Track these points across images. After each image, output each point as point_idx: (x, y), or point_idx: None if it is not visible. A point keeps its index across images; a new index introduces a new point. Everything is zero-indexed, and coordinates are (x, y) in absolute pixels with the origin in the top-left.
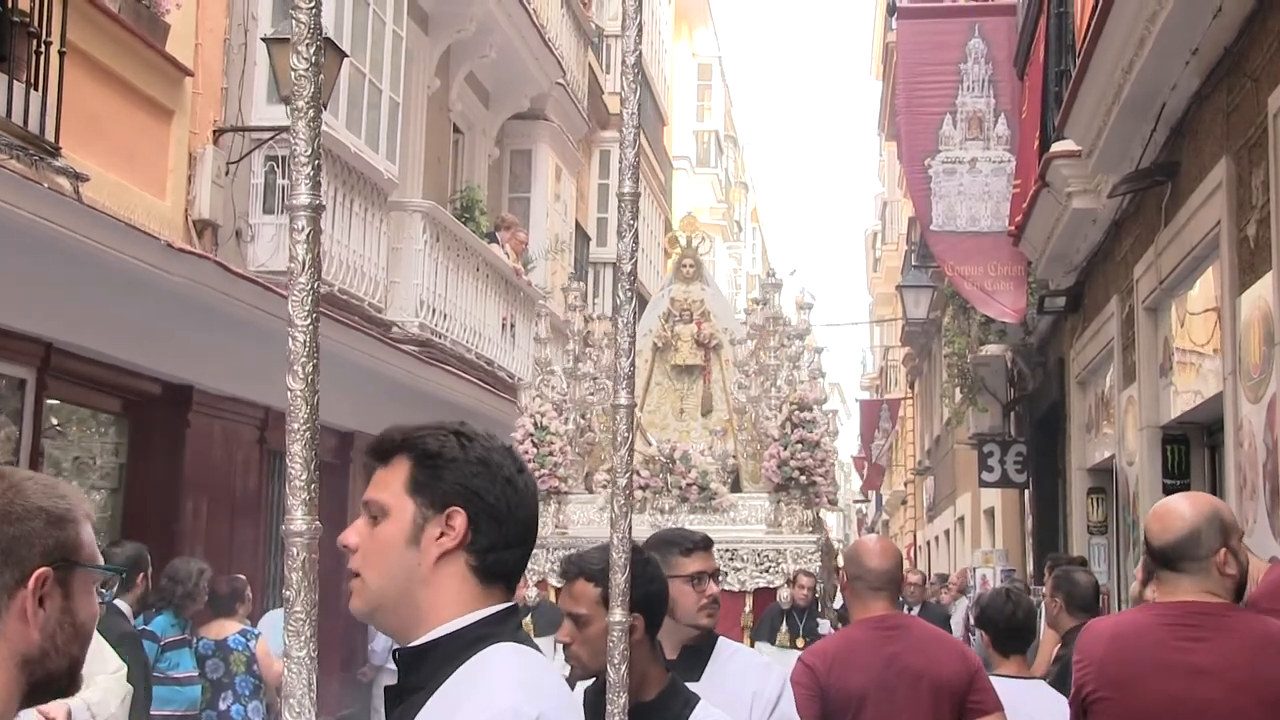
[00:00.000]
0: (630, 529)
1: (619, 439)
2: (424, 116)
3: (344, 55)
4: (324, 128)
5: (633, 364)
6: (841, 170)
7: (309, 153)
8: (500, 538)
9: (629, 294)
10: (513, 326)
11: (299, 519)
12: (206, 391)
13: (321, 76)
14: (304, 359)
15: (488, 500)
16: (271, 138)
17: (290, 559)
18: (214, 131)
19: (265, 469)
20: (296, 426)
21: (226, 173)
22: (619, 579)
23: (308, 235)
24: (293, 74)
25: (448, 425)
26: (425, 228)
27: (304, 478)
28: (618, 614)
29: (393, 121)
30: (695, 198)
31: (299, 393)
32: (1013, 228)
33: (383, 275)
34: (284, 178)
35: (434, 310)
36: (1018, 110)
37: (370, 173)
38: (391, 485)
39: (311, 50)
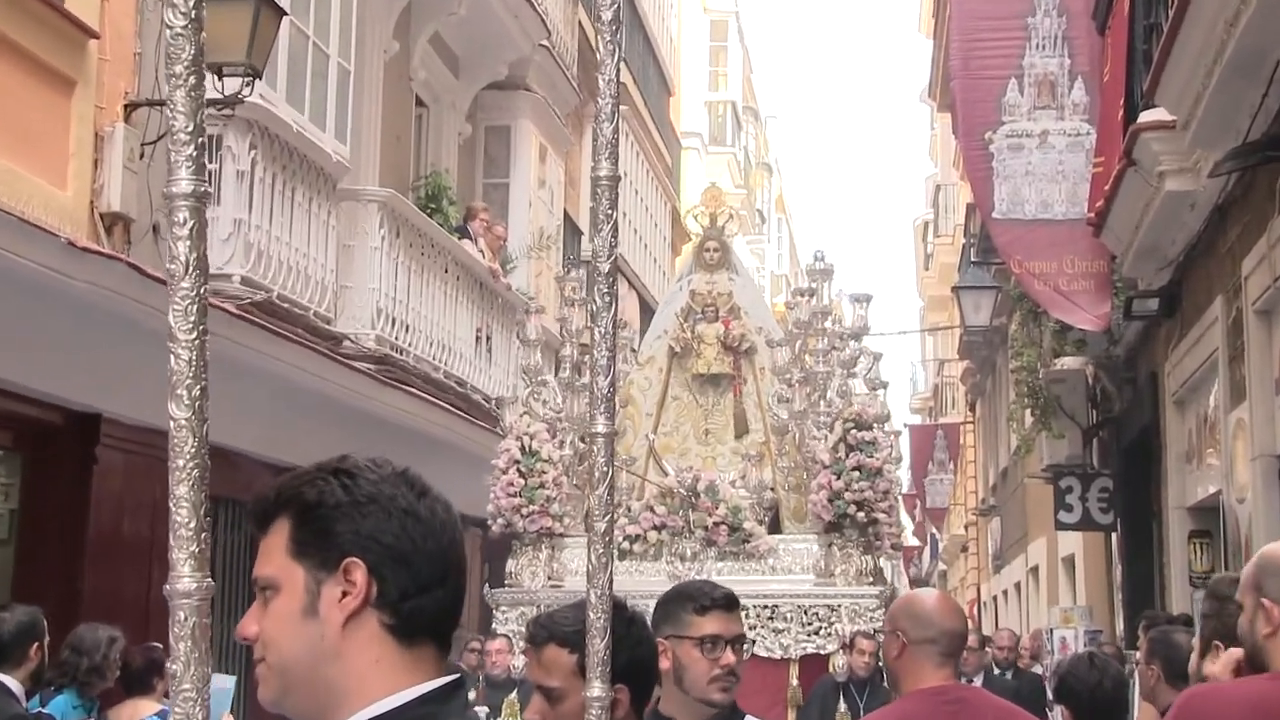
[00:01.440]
0: (611, 583)
1: (598, 474)
2: (380, 87)
3: (282, 14)
4: (259, 102)
5: (613, 384)
6: (885, 148)
7: (190, 129)
8: (412, 581)
9: (607, 298)
10: (489, 339)
11: (186, 576)
12: (118, 421)
13: (204, 35)
14: (189, 381)
15: (386, 541)
16: None
17: (176, 625)
18: (125, 106)
19: None
20: (182, 463)
21: (141, 155)
22: (598, 645)
23: (191, 230)
24: (168, 32)
25: (326, 465)
26: (383, 221)
27: (192, 526)
28: (596, 687)
29: (342, 94)
30: (708, 182)
31: (184, 422)
32: (1093, 215)
33: (331, 279)
34: (212, 161)
35: (394, 321)
36: (1098, 72)
37: (316, 155)
38: (275, 554)
39: (190, 4)
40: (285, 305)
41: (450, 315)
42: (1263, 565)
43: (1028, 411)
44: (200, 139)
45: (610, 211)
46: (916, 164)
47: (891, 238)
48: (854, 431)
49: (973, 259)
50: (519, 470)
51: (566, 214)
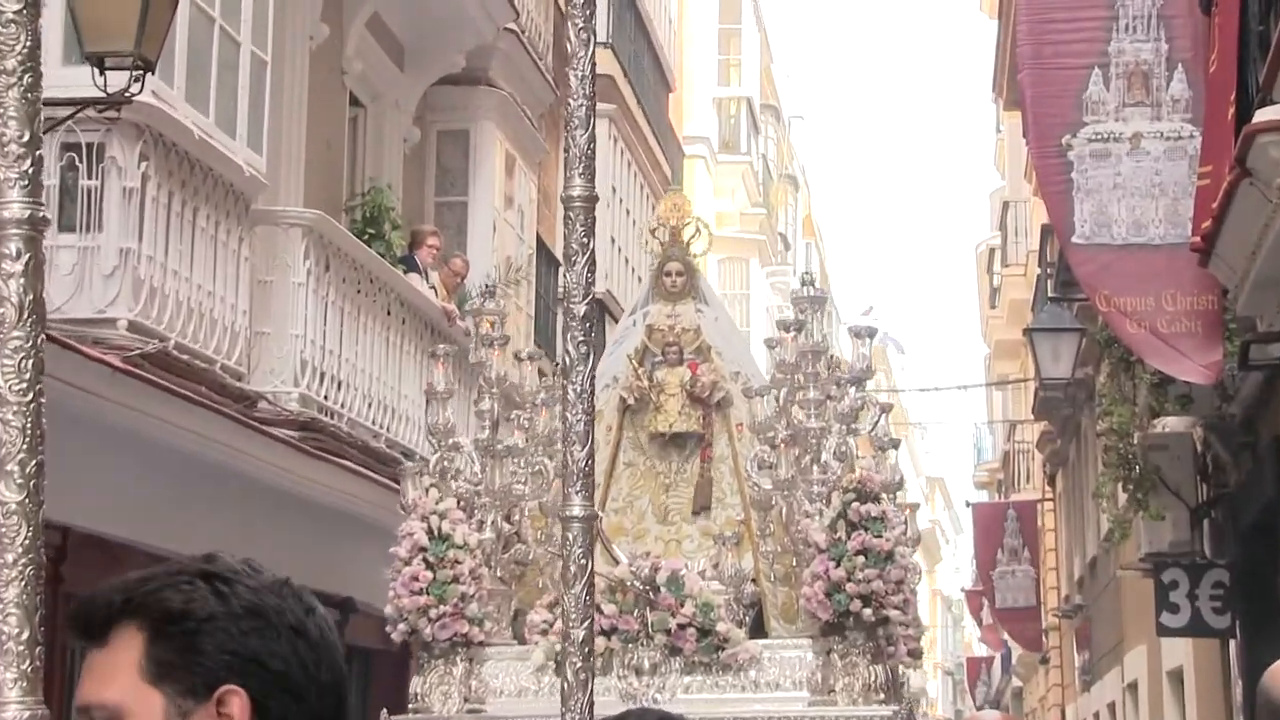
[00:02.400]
0: (592, 706)
1: (574, 568)
2: (305, 83)
3: None
4: (152, 101)
5: (590, 455)
6: (941, 156)
7: (25, 139)
8: (304, 717)
9: (583, 347)
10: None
11: (14, 702)
12: None
13: (40, 23)
14: (23, 454)
15: (273, 667)
16: (70, 116)
17: None
18: None
19: (61, 622)
20: (12, 559)
21: None
22: None
23: (26, 264)
24: None
25: (189, 567)
26: (309, 250)
27: (24, 638)
28: None
29: (257, 91)
30: (718, 199)
31: (15, 506)
32: (1199, 238)
33: (244, 324)
34: (91, 176)
35: (323, 376)
36: (1202, 60)
37: (224, 168)
38: (120, 674)
39: None
40: (185, 358)
41: (394, 369)
42: (1259, 690)
43: (1120, 486)
44: (37, 151)
45: (586, 240)
46: (980, 176)
47: (949, 268)
48: (856, 505)
49: (1050, 294)
50: (425, 560)
51: (540, 240)
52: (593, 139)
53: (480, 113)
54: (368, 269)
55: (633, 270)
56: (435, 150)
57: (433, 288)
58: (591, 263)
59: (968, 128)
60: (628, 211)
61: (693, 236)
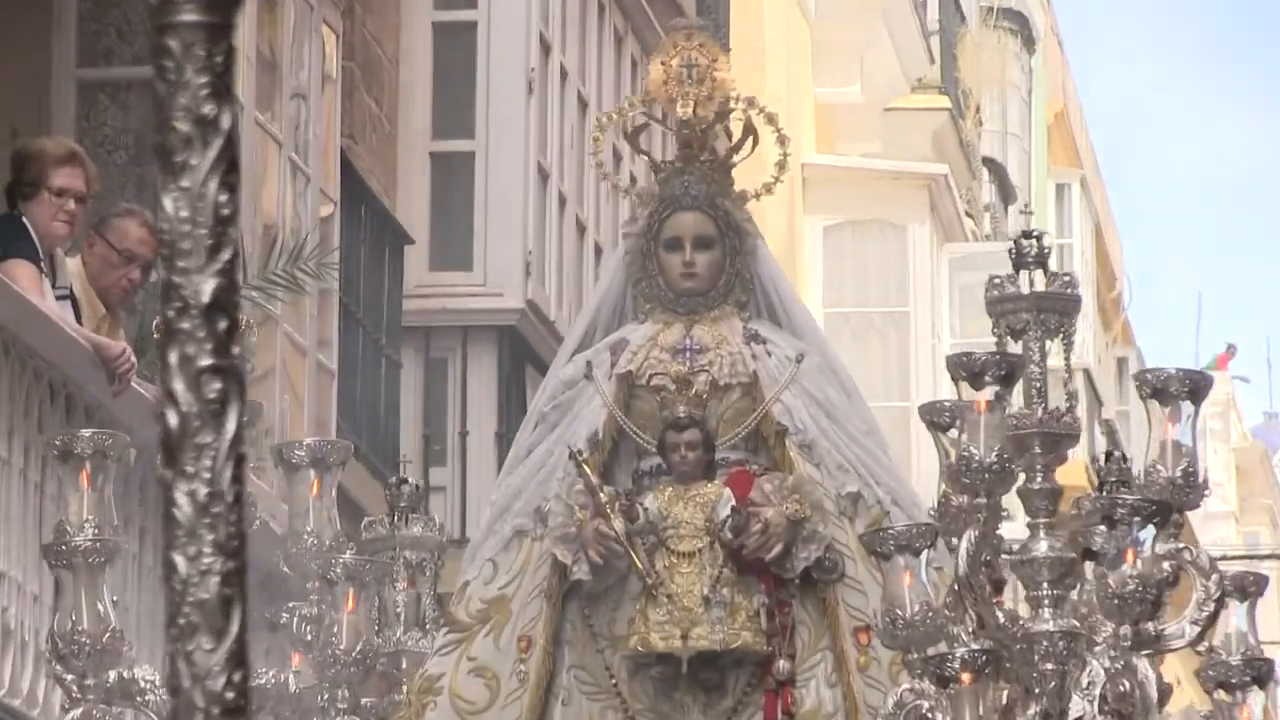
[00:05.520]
0: None
1: None
2: None
3: None
4: None
5: (241, 627)
6: None
7: None
8: None
9: (214, 392)
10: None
11: None
12: None
13: None
14: None
15: None
16: None
17: None
18: None
19: None
20: None
21: None
22: None
23: None
24: None
25: None
26: None
27: None
28: None
29: None
30: (820, 70)
31: None
32: None
33: None
34: None
35: None
36: None
37: None
38: None
39: None
40: None
41: None
42: None
43: None
44: None
45: (211, 108)
46: None
47: None
48: None
49: None
50: None
51: (354, 174)
52: None
53: None
54: None
55: (596, 249)
56: None
57: (66, 293)
58: (230, 168)
59: None
60: (583, 103)
61: (739, 144)
